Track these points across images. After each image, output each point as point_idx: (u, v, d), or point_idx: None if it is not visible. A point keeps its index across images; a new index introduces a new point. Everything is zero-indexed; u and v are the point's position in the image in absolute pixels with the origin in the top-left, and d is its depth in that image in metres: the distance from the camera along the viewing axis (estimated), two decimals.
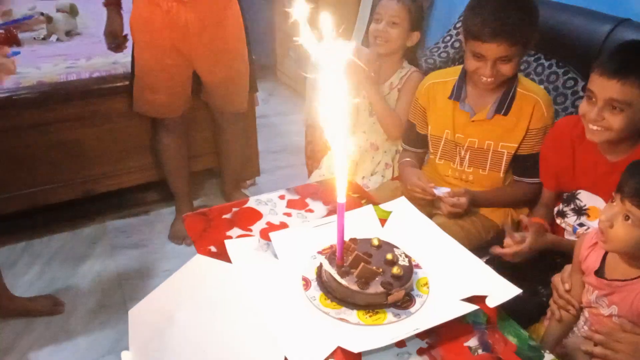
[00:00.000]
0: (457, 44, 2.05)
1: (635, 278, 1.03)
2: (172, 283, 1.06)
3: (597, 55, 1.62)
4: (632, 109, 1.18)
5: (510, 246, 1.31)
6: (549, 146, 1.47)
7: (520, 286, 1.03)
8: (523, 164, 1.56)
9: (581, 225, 1.39)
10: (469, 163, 1.62)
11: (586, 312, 1.14)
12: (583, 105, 1.26)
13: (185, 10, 1.90)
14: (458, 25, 2.06)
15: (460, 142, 1.61)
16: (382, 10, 1.79)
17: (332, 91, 0.86)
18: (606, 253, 1.08)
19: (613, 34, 1.67)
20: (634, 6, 1.81)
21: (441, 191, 1.54)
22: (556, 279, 1.22)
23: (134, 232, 2.41)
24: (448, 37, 2.08)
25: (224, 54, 2.06)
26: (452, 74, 1.63)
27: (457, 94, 1.58)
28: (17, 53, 2.44)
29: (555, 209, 1.45)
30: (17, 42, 2.55)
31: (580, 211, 1.39)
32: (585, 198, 1.38)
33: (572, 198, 1.41)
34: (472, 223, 1.58)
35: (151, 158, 2.41)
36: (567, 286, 1.18)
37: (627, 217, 0.99)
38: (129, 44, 2.07)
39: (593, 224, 1.35)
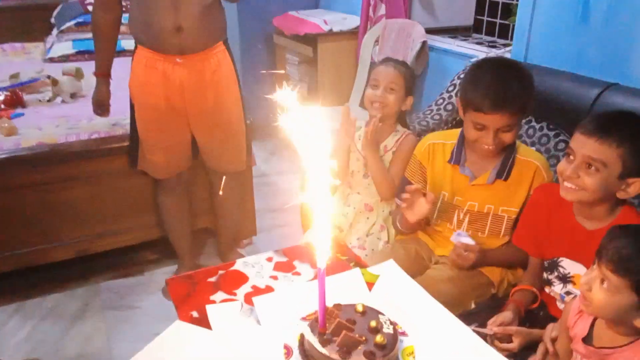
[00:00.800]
0: (449, 107, 2.08)
1: (622, 346, 1.01)
2: (149, 351, 1.03)
3: None
4: (607, 170, 1.19)
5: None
6: (527, 213, 1.48)
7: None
8: None
9: (568, 293, 1.37)
10: (468, 226, 1.61)
11: None
12: (561, 163, 1.28)
13: (180, 70, 1.96)
14: (450, 88, 2.11)
15: (459, 205, 1.60)
16: (380, 76, 1.83)
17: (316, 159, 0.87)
18: (594, 321, 1.06)
19: (601, 97, 1.70)
20: (622, 71, 1.85)
21: (458, 238, 1.53)
22: (547, 332, 1.21)
23: (127, 292, 2.37)
24: (441, 100, 2.12)
25: (220, 114, 2.09)
26: (451, 136, 1.64)
27: (457, 158, 1.59)
28: (21, 114, 2.52)
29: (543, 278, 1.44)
30: (22, 104, 2.63)
31: (565, 279, 1.37)
32: (568, 266, 1.36)
33: (554, 265, 1.39)
34: (465, 279, 1.54)
35: (147, 218, 2.41)
36: (549, 347, 1.17)
37: (603, 282, 0.98)
38: (127, 105, 2.12)
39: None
